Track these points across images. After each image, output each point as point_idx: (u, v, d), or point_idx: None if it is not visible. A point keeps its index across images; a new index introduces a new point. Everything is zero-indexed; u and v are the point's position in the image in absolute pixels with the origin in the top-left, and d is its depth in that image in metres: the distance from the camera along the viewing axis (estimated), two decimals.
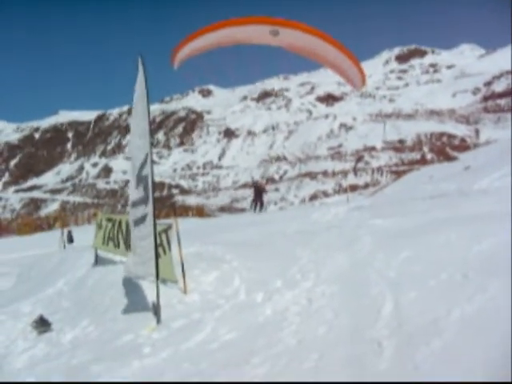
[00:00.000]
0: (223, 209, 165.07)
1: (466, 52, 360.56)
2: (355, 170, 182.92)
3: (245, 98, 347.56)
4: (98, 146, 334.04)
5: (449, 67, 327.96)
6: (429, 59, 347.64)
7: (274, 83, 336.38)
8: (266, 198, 28.14)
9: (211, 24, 11.64)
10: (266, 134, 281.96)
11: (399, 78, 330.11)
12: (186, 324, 7.99)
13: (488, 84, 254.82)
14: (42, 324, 9.22)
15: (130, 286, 10.01)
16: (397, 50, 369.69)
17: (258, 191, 27.22)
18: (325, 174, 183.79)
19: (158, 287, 8.33)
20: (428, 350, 5.56)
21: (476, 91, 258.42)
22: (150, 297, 8.98)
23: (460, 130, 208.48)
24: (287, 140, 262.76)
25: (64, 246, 21.91)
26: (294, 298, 8.32)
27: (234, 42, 12.51)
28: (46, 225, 62.33)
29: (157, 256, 8.39)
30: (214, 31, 11.56)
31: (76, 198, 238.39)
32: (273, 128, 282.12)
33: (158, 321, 8.22)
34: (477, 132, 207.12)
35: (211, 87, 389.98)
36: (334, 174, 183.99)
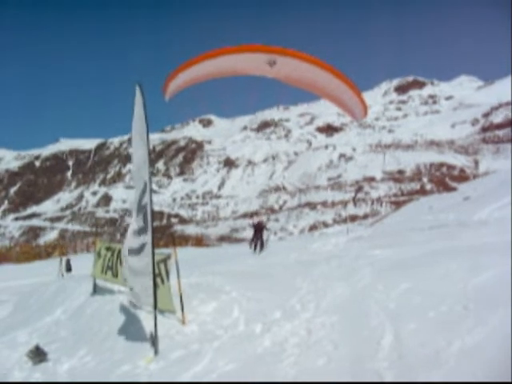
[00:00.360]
0: (222, 238, 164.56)
1: (464, 83, 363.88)
2: (355, 201, 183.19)
3: (245, 128, 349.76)
4: (98, 175, 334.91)
5: (447, 98, 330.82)
6: (428, 90, 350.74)
7: (273, 113, 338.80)
8: (266, 235, 25.41)
9: (205, 52, 10.88)
10: (265, 164, 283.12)
11: (398, 109, 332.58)
12: (184, 355, 7.92)
13: (486, 115, 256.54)
14: (38, 354, 9.13)
15: (129, 316, 9.94)
16: (396, 81, 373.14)
17: (258, 229, 24.78)
18: (324, 204, 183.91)
19: (155, 317, 8.28)
20: (428, 381, 5.51)
21: (475, 122, 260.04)
22: (148, 327, 8.90)
23: (459, 161, 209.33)
24: (287, 170, 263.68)
25: (62, 274, 21.81)
26: (294, 329, 8.26)
27: (228, 73, 11.92)
28: (45, 253, 62.13)
29: (155, 286, 8.35)
30: (207, 60, 10.78)
31: (75, 227, 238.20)
32: (273, 158, 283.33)
33: (156, 351, 8.15)
34: (476, 163, 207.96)
35: (212, 117, 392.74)
36: (333, 204, 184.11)
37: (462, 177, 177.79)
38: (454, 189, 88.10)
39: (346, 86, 11.80)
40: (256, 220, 26.12)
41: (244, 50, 10.81)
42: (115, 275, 12.07)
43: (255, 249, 23.95)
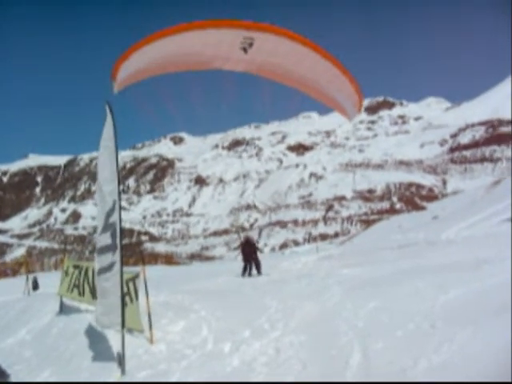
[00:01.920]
0: (193, 256, 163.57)
1: (432, 104, 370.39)
2: (325, 219, 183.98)
3: (216, 146, 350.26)
4: (68, 191, 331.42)
5: (416, 119, 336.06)
6: (397, 111, 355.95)
7: (245, 132, 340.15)
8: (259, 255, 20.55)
9: (165, 28, 8.93)
10: (236, 183, 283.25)
11: (368, 129, 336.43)
12: (151, 375, 7.82)
13: (454, 136, 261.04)
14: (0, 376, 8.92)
15: (95, 336, 9.80)
16: (366, 102, 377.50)
17: (249, 249, 20.09)
18: (295, 222, 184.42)
19: (123, 337, 8.18)
20: None
21: (443, 142, 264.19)
22: (116, 347, 8.78)
23: (428, 180, 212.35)
24: (258, 188, 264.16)
25: (28, 292, 21.39)
26: (262, 348, 8.23)
27: (191, 60, 9.86)
28: (11, 271, 60.91)
29: (123, 305, 8.26)
30: (167, 37, 8.86)
31: (43, 244, 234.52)
32: (244, 176, 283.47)
33: (123, 371, 8.03)
34: (444, 182, 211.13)
35: (183, 134, 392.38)
36: (304, 222, 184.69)
37: (431, 196, 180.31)
38: (423, 208, 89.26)
39: (338, 71, 10.14)
40: (244, 237, 21.38)
41: (213, 25, 8.93)
42: (81, 294, 11.90)
43: (250, 272, 19.57)
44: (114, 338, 9.23)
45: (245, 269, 19.65)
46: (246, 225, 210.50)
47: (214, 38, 9.14)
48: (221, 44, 9.32)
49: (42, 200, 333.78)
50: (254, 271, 19.39)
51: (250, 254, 19.89)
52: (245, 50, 9.29)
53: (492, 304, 7.72)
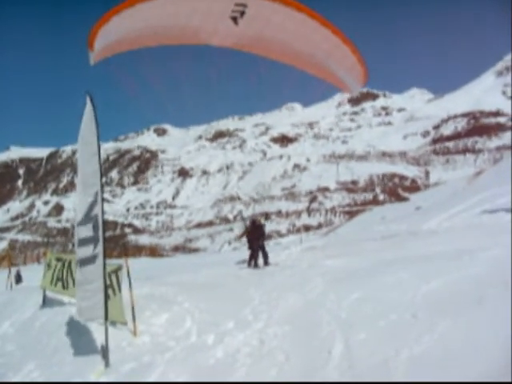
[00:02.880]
0: (177, 248, 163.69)
1: (416, 96, 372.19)
2: (309, 211, 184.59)
3: (200, 137, 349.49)
4: (50, 184, 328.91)
5: (399, 110, 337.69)
6: (380, 102, 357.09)
7: (228, 123, 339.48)
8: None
9: None
10: (220, 174, 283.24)
11: (352, 120, 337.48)
12: (135, 367, 7.82)
13: (437, 127, 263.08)
14: None
15: (79, 329, 9.77)
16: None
17: (256, 233, 17.39)
18: (279, 214, 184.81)
19: (106, 329, 8.16)
20: None
21: (425, 134, 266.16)
22: (99, 339, 8.76)
23: (411, 172, 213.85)
24: (241, 180, 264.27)
25: (11, 286, 21.26)
26: (246, 340, 8.26)
27: (174, 30, 9.01)
28: None
29: (106, 297, 8.24)
30: (143, 3, 7.96)
31: (26, 237, 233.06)
32: (227, 168, 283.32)
33: (107, 364, 8.03)
34: (427, 173, 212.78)
35: (166, 126, 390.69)
36: (287, 214, 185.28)
37: (414, 187, 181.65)
38: (405, 199, 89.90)
39: (339, 39, 9.37)
40: (250, 220, 18.44)
41: None
42: (65, 287, 11.84)
43: (256, 262, 17.22)
44: (97, 331, 9.20)
45: (251, 257, 17.35)
46: (230, 217, 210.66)
47: (201, 4, 8.40)
48: (209, 12, 8.51)
49: (24, 193, 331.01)
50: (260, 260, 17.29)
51: (257, 239, 17.30)
52: (235, 19, 8.53)
53: (472, 294, 7.81)
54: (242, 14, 8.37)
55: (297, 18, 8.69)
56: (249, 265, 17.30)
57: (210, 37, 9.30)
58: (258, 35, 9.17)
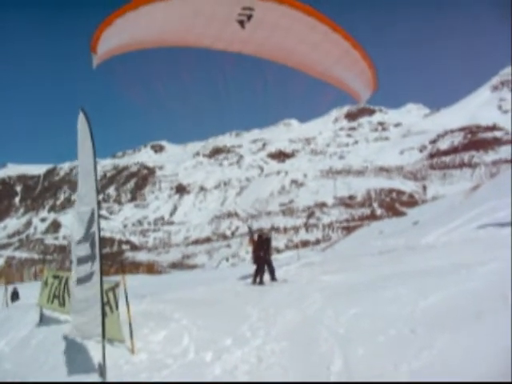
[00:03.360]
0: (174, 265, 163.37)
1: (412, 111, 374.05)
2: (306, 226, 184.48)
3: (197, 153, 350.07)
4: (48, 201, 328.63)
5: (396, 125, 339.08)
6: (377, 117, 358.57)
7: (226, 140, 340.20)
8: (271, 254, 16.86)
9: None
10: (217, 190, 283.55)
11: (349, 136, 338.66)
12: None
13: (433, 142, 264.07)
14: None
15: (76, 346, 9.71)
16: (346, 109, 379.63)
17: (262, 247, 16.31)
18: (276, 229, 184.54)
19: (103, 347, 8.11)
20: None
21: (422, 149, 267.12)
22: (96, 357, 8.70)
23: (408, 186, 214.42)
24: (239, 196, 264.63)
25: (7, 304, 21.16)
26: (244, 357, 8.21)
27: (180, 33, 8.81)
28: None
29: (103, 315, 8.20)
30: (155, 2, 7.72)
31: (23, 254, 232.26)
32: (225, 184, 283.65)
33: (104, 382, 7.98)
34: (424, 188, 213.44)
35: (163, 143, 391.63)
36: (285, 229, 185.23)
37: (411, 202, 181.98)
38: (403, 213, 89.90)
39: (349, 45, 9.04)
40: (257, 233, 17.35)
41: None
42: (62, 304, 11.80)
43: (261, 279, 16.05)
44: (94, 349, 9.14)
45: (257, 273, 16.20)
46: (228, 233, 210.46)
47: (206, 7, 8.14)
48: (214, 15, 8.29)
49: (22, 210, 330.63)
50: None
51: (264, 253, 16.22)
52: (242, 23, 8.29)
53: (471, 309, 7.78)
54: (250, 17, 8.17)
55: (306, 22, 8.48)
56: (254, 281, 16.21)
57: (215, 40, 9.13)
58: (265, 39, 8.95)
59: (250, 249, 17.52)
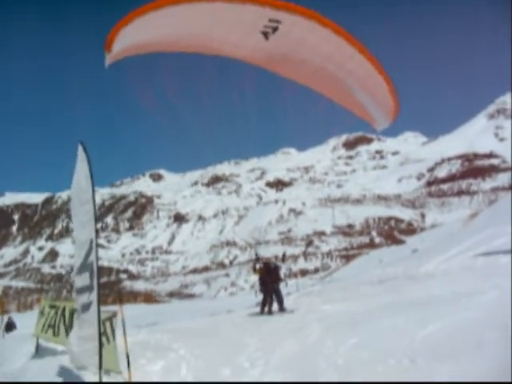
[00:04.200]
0: (172, 294, 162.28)
1: (409, 139, 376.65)
2: (305, 255, 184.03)
3: (196, 182, 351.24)
4: (45, 230, 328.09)
5: (394, 154, 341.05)
6: (375, 146, 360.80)
7: (224, 168, 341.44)
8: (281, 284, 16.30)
9: None
10: (216, 219, 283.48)
11: (347, 164, 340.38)
12: None
13: (431, 170, 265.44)
14: None
15: (72, 378, 9.59)
16: (344, 137, 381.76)
17: (270, 277, 16.00)
18: (275, 258, 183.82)
19: (100, 378, 8.03)
20: None
21: (420, 177, 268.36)
22: None
23: (406, 214, 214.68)
24: (237, 225, 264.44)
25: (3, 334, 20.94)
26: None
27: (200, 39, 8.47)
28: None
29: (100, 345, 8.12)
30: (176, 5, 7.32)
31: (19, 283, 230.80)
32: (223, 213, 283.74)
33: None
34: (422, 216, 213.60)
35: (162, 171, 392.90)
36: (283, 258, 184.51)
37: (410, 230, 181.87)
38: (402, 242, 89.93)
39: (373, 68, 8.69)
40: (263, 261, 17.06)
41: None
42: (56, 334, 11.70)
43: (270, 308, 15.58)
44: (91, 380, 9.05)
45: (264, 303, 15.78)
46: (226, 262, 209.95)
47: (230, 14, 7.74)
48: (238, 24, 7.95)
49: (19, 238, 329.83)
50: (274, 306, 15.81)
51: (271, 282, 15.81)
52: (266, 35, 7.95)
53: (471, 338, 7.72)
54: (275, 30, 7.88)
55: (333, 40, 8.23)
56: (261, 312, 15.69)
57: (235, 49, 8.84)
58: (288, 54, 8.67)
59: (253, 277, 17.55)
